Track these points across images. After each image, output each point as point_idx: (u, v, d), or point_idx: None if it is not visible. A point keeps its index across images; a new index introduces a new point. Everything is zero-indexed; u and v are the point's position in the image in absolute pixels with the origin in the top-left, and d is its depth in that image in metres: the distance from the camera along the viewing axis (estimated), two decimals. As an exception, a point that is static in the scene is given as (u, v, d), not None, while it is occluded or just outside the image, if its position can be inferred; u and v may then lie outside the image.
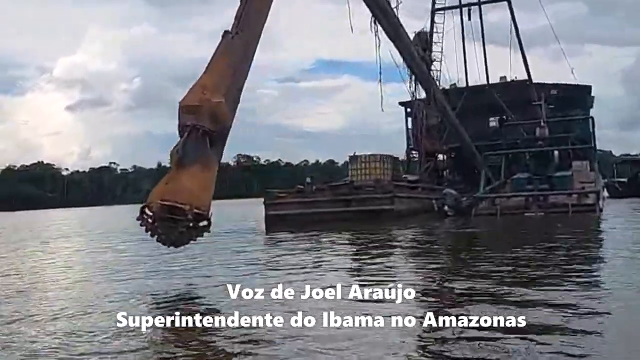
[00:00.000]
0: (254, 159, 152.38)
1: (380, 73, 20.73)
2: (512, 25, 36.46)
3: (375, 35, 19.92)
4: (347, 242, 16.64)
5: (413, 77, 24.02)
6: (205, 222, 10.40)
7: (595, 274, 9.03)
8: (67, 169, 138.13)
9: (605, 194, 39.01)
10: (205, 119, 10.65)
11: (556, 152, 27.21)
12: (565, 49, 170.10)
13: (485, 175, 25.94)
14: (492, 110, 37.27)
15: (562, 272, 8.76)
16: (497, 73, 37.10)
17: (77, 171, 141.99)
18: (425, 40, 24.42)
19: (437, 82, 37.02)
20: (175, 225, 10.24)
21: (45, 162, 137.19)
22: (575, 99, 36.73)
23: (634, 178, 38.19)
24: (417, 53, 22.87)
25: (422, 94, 27.35)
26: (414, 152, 39.36)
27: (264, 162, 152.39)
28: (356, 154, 26.33)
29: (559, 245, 12.84)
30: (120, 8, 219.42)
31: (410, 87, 24.04)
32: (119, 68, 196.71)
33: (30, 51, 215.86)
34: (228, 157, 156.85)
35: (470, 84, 37.01)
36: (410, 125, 40.12)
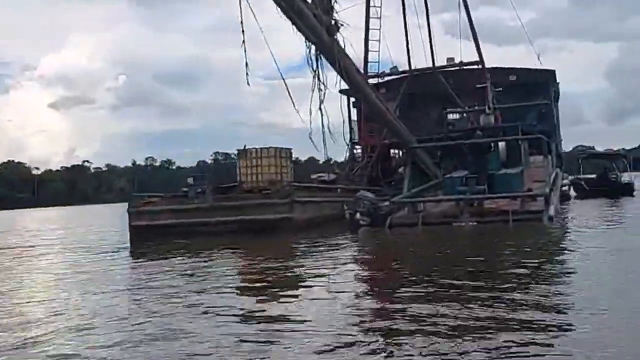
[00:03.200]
0: (232, 156, 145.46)
1: (243, 32, 14.60)
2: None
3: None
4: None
5: (313, 48, 17.95)
6: None
7: None
8: (37, 168, 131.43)
9: (572, 193, 33.37)
10: None
11: (501, 145, 21.30)
12: (551, 45, 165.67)
13: (409, 174, 19.98)
14: (439, 98, 31.44)
15: None
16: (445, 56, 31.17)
17: (51, 170, 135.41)
18: (328, -1, 18.54)
19: (377, 65, 31.33)
20: None
21: (16, 160, 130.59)
22: (537, 85, 30.98)
23: (602, 175, 32.30)
24: (312, 13, 16.84)
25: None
26: (357, 147, 33.55)
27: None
28: (246, 147, 20.22)
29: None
30: (105, 7, 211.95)
31: (309, 60, 17.92)
32: (103, 66, 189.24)
33: (15, 49, 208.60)
34: (205, 155, 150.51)
35: (413, 67, 31.22)
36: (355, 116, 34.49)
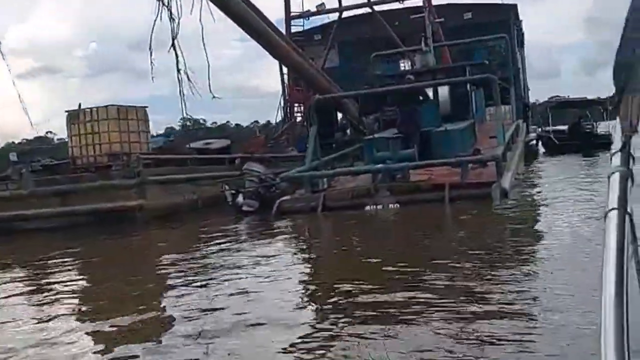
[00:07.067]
0: (200, 121, 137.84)
1: None
2: None
3: None
4: None
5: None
6: None
7: None
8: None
9: (541, 149, 27.77)
10: None
11: (443, 93, 15.40)
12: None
13: (314, 137, 13.95)
14: (383, 45, 25.27)
15: None
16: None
17: (13, 142, 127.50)
18: None
19: (302, 3, 25.09)
20: None
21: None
22: (496, 24, 24.99)
23: (574, 126, 26.49)
24: None
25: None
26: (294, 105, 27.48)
27: (211, 124, 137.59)
28: (81, 106, 13.95)
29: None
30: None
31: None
32: (73, 33, 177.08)
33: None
34: (173, 121, 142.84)
35: (345, 3, 25.02)
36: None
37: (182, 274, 7.17)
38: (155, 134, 23.62)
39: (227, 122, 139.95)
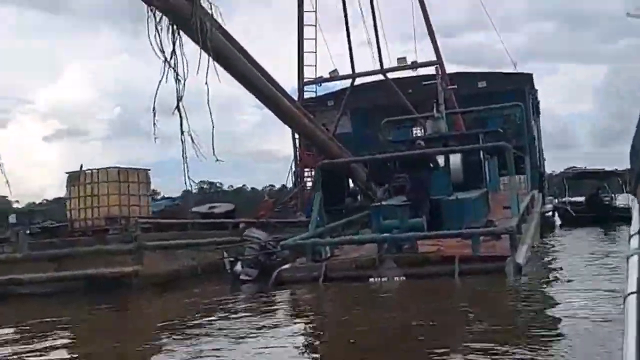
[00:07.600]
0: (217, 185, 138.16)
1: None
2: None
3: None
4: None
5: (164, 19, 11.63)
6: None
7: None
8: (17, 201, 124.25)
9: (557, 221, 26.99)
10: None
11: (455, 160, 14.97)
12: (541, 68, 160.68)
13: (319, 203, 13.46)
14: (397, 112, 25.08)
15: None
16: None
17: (34, 203, 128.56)
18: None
19: (314, 69, 25.12)
20: None
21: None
22: (511, 92, 24.75)
23: (592, 197, 25.80)
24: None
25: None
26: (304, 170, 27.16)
27: (227, 188, 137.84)
28: (82, 167, 13.68)
29: None
30: (100, 39, 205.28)
31: (153, 37, 11.57)
32: (98, 98, 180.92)
33: (11, 84, 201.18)
34: (192, 183, 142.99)
35: (358, 70, 25.02)
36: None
37: (167, 345, 6.65)
38: (162, 197, 23.36)
39: (244, 185, 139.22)
